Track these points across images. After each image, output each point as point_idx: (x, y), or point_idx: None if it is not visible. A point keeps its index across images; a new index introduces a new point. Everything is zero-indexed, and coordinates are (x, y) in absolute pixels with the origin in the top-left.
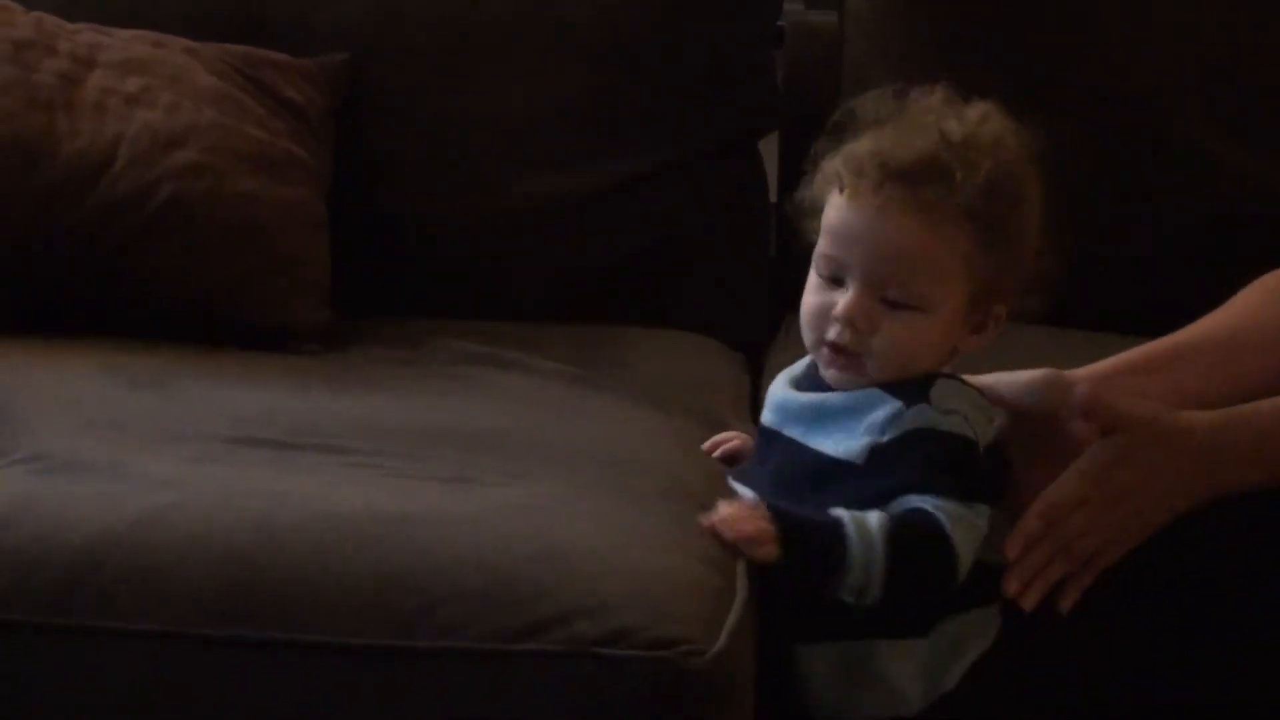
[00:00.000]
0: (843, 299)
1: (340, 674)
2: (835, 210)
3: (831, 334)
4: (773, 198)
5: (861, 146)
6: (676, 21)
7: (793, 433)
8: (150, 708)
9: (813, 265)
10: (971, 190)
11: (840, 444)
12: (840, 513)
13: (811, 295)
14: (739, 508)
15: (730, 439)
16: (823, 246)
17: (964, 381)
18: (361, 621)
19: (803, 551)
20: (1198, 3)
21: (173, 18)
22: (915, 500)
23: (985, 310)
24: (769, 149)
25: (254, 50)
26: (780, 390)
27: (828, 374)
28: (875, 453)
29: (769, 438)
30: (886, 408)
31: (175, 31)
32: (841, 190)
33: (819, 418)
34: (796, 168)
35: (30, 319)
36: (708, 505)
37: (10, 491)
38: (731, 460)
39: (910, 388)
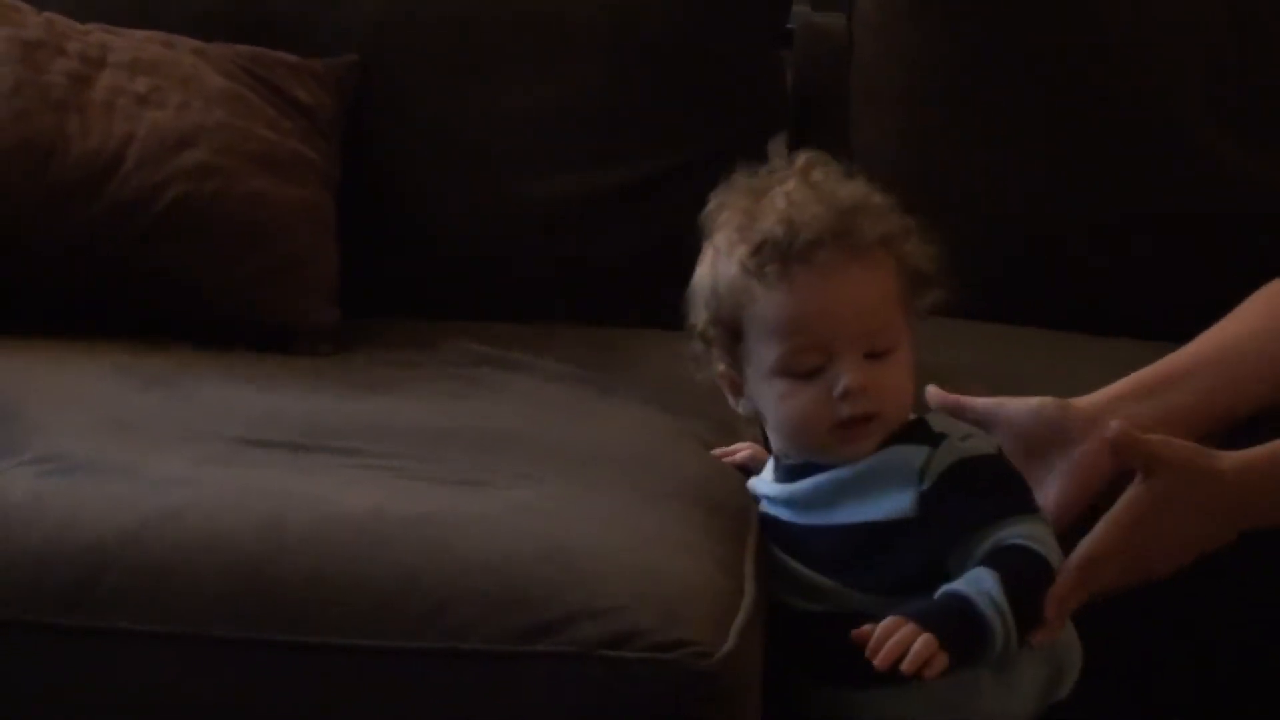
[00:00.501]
0: (844, 375)
1: (349, 675)
2: (776, 307)
3: (847, 412)
4: None
5: (760, 234)
6: (685, 23)
7: (815, 519)
8: (159, 708)
9: (770, 376)
10: (875, 222)
11: (883, 508)
12: (958, 588)
13: (790, 400)
14: (886, 630)
15: (739, 450)
16: (779, 346)
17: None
18: (370, 623)
19: (957, 645)
20: (1202, 2)
21: (182, 18)
22: (1002, 536)
23: (910, 310)
24: (777, 150)
25: (263, 51)
26: (773, 489)
27: (848, 451)
28: (925, 500)
29: (789, 533)
30: (915, 457)
31: (185, 32)
32: (769, 283)
33: (840, 494)
34: None
35: (40, 319)
36: (714, 507)
37: (21, 491)
38: (744, 469)
39: (915, 432)
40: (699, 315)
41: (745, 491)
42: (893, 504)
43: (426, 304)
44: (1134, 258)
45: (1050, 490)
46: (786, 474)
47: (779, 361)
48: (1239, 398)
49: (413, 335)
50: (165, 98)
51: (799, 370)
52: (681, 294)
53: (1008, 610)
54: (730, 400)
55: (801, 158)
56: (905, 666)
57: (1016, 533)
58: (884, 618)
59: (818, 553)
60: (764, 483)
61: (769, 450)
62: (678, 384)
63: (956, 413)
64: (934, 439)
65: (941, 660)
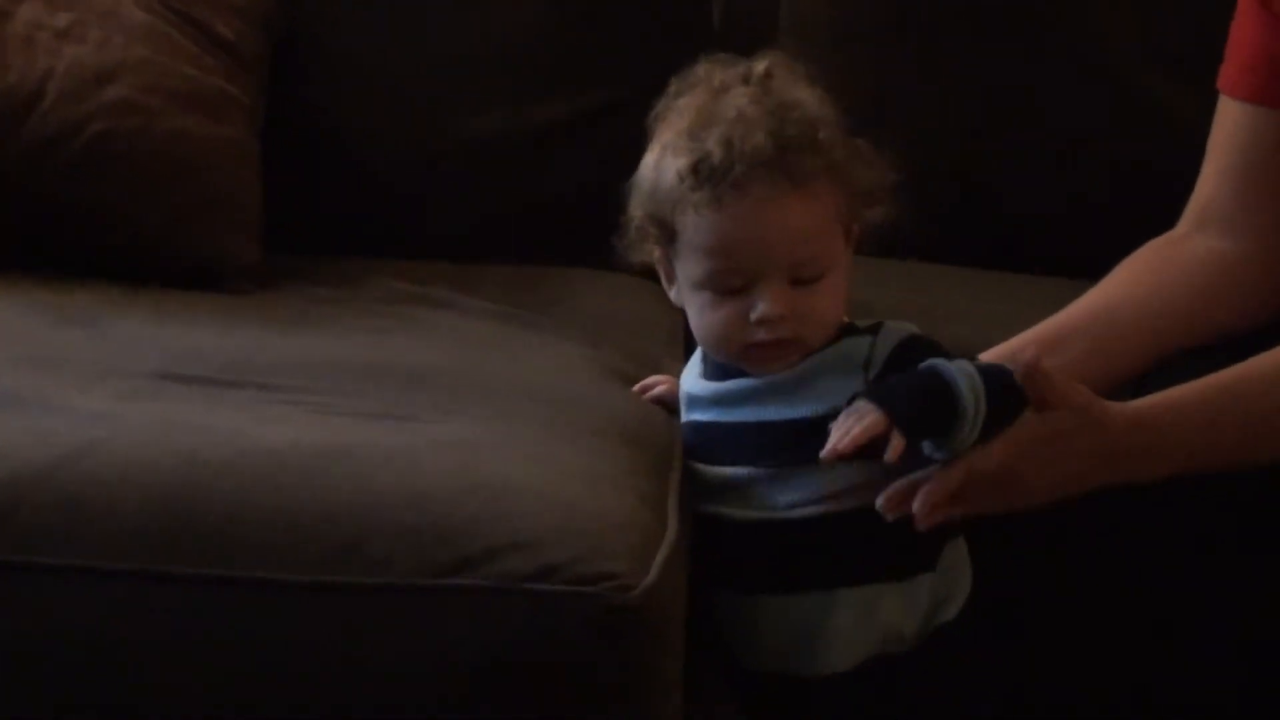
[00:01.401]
0: (759, 302)
1: (267, 608)
2: (708, 225)
3: (762, 335)
4: None
5: (700, 150)
6: None
7: (746, 416)
8: (77, 643)
9: (692, 288)
10: (821, 149)
11: (827, 401)
12: (934, 363)
13: (712, 312)
14: (843, 422)
15: (659, 383)
16: (704, 265)
17: None
18: (291, 556)
19: (921, 423)
20: None
21: None
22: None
23: (851, 234)
24: None
25: None
26: (700, 386)
27: (761, 370)
28: (878, 385)
29: (710, 432)
30: (858, 349)
31: None
32: (700, 205)
33: (775, 393)
34: None
35: None
36: (637, 442)
37: None
38: (660, 404)
39: (849, 331)
40: (637, 208)
41: (669, 427)
42: (839, 396)
43: (354, 243)
44: (1067, 198)
45: None
46: (716, 371)
47: (703, 278)
48: (1111, 365)
49: (339, 273)
50: (85, 33)
51: (721, 289)
52: (607, 234)
53: (983, 394)
54: (665, 285)
55: (766, 60)
56: (847, 448)
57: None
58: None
59: (748, 450)
60: (692, 379)
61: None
62: (603, 321)
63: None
64: (872, 329)
65: (898, 444)
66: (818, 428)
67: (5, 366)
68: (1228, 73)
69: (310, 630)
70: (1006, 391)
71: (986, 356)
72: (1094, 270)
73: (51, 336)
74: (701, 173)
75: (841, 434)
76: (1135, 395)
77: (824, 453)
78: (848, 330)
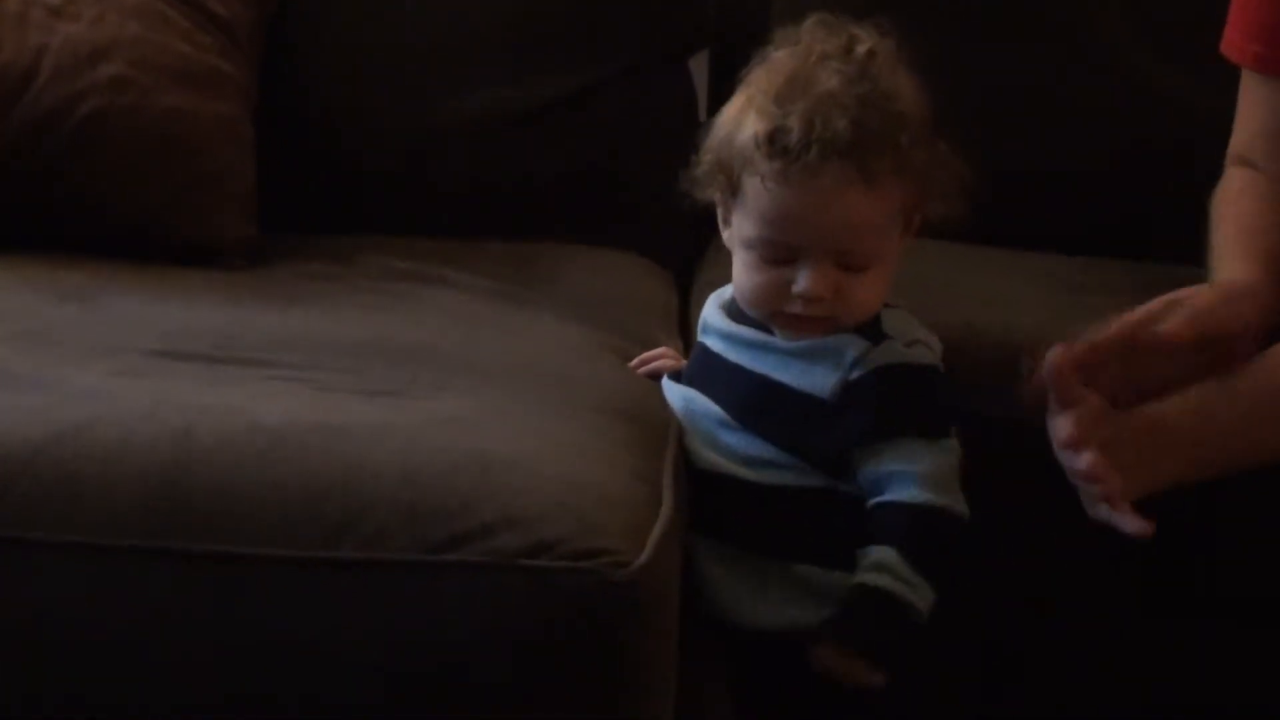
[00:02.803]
0: (803, 277)
1: (262, 585)
2: (770, 196)
3: (796, 309)
4: (702, 116)
5: (784, 122)
6: None
7: (741, 359)
8: (72, 620)
9: (742, 245)
10: (899, 150)
11: (805, 379)
12: (868, 579)
13: (755, 274)
14: (830, 662)
15: (658, 356)
16: (759, 230)
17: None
18: (285, 533)
19: (888, 647)
20: None
21: None
22: (895, 492)
23: (913, 223)
24: (699, 67)
25: None
26: (719, 319)
27: (789, 336)
28: (845, 389)
29: (711, 360)
30: (853, 348)
31: None
32: (767, 175)
33: (773, 352)
34: (726, 87)
35: None
36: (633, 419)
37: None
38: (658, 378)
39: (864, 327)
40: (710, 151)
41: (665, 403)
42: (815, 381)
43: (348, 220)
44: (1059, 174)
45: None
46: (737, 313)
47: (753, 241)
48: None
49: (332, 250)
50: (79, 10)
51: (765, 256)
52: (601, 211)
53: (919, 577)
54: (720, 225)
55: (871, 40)
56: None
57: (919, 478)
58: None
59: (730, 394)
60: (714, 310)
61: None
62: (598, 297)
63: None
64: (877, 337)
65: (879, 678)
66: (789, 398)
67: (0, 344)
68: (1230, 36)
69: (304, 606)
70: (925, 545)
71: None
72: (1087, 246)
73: (46, 313)
74: (776, 144)
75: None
76: None
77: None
78: (873, 329)
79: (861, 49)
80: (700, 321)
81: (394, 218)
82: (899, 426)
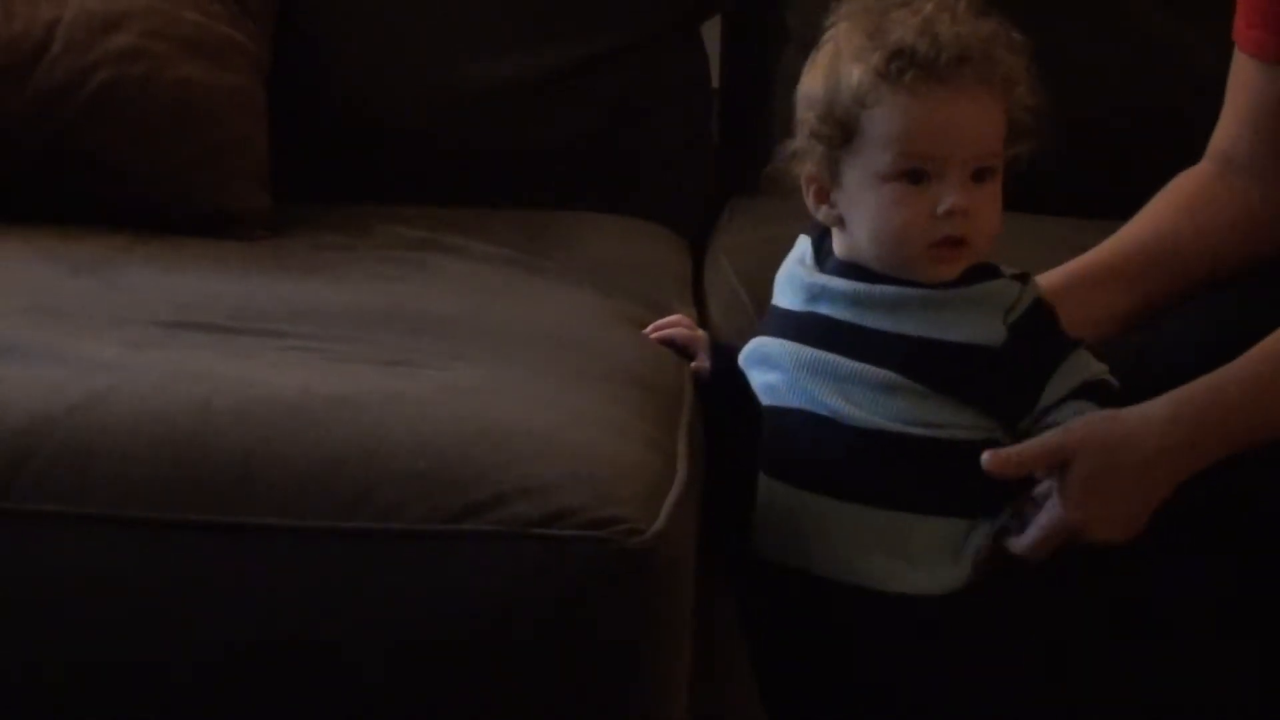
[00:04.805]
0: (950, 194)
1: (280, 556)
2: (904, 115)
3: (946, 230)
4: (714, 83)
5: (899, 43)
6: None
7: (883, 324)
8: (88, 591)
9: (877, 181)
10: (1008, 57)
11: (967, 331)
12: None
13: (900, 209)
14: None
15: (672, 323)
16: (896, 153)
17: None
18: (301, 503)
19: None
20: None
21: None
22: (1080, 368)
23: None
24: (710, 34)
25: None
26: (829, 280)
27: (935, 272)
28: (1015, 330)
29: (833, 326)
30: (1009, 292)
31: None
32: (896, 93)
33: (921, 309)
34: (738, 53)
35: None
36: (647, 388)
37: None
38: (671, 345)
39: (999, 272)
40: (808, 113)
41: (679, 371)
42: (979, 330)
43: (361, 189)
44: (1081, 140)
45: None
46: (853, 271)
47: (891, 164)
48: (1154, 296)
49: (346, 220)
50: None
51: (908, 177)
52: (615, 178)
53: None
54: (810, 205)
55: None
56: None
57: (1085, 363)
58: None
59: (889, 357)
60: (809, 271)
61: (702, 325)
62: (613, 266)
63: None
64: (1021, 278)
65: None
66: (958, 354)
67: (15, 316)
68: (1240, 27)
69: (320, 577)
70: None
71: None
72: (1108, 211)
73: (61, 286)
74: (902, 61)
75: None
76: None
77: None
78: (994, 272)
79: None
80: (790, 287)
81: (408, 186)
82: (1064, 349)
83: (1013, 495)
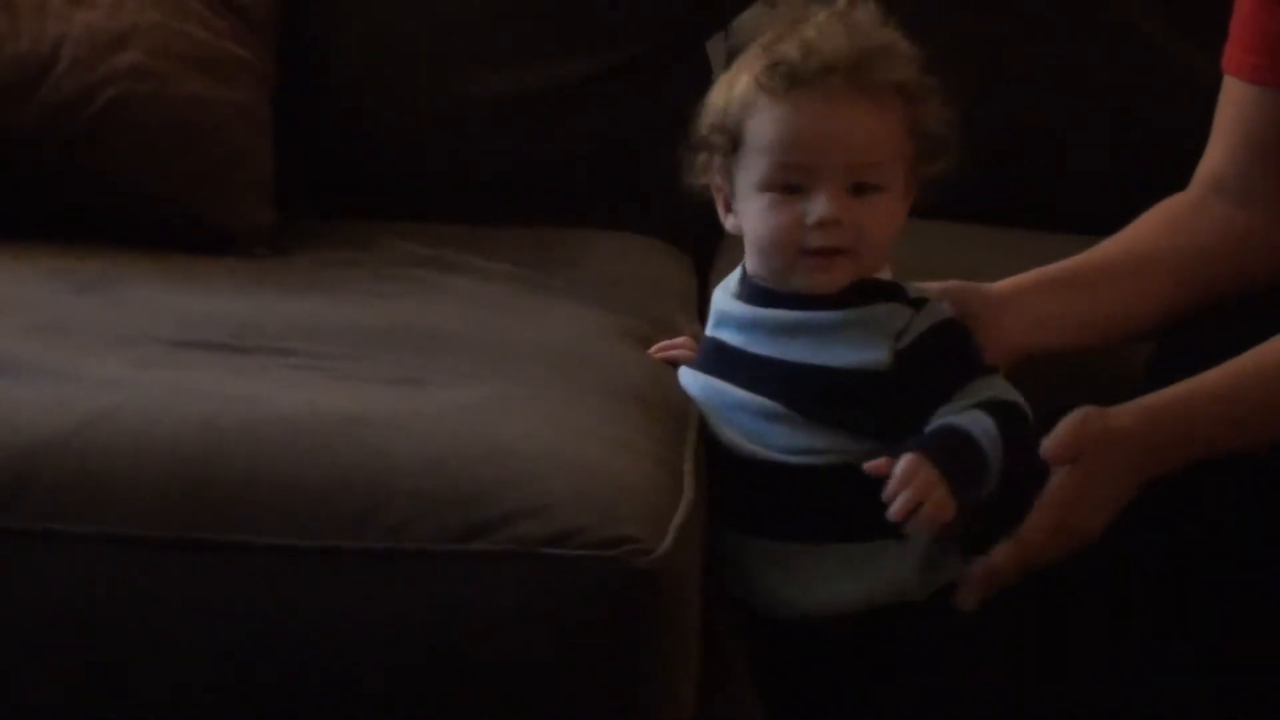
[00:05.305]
0: (818, 203)
1: (285, 575)
2: (776, 121)
3: (817, 241)
4: None
5: (778, 54)
6: None
7: (772, 350)
8: (96, 611)
9: (756, 189)
10: (898, 66)
11: (853, 356)
12: (956, 421)
13: (770, 215)
14: (907, 472)
15: (677, 346)
16: (769, 162)
17: None
18: (308, 522)
19: (963, 488)
20: None
21: None
22: (978, 391)
23: (913, 179)
24: (715, 51)
25: None
26: (736, 308)
27: (812, 281)
28: (901, 357)
29: (730, 354)
30: (898, 317)
31: None
32: (772, 103)
33: (809, 334)
34: None
35: None
36: (653, 405)
37: None
38: (675, 365)
39: (897, 294)
40: (704, 123)
41: (685, 391)
42: (865, 355)
43: (366, 205)
44: (1093, 158)
45: None
46: (756, 296)
47: (766, 174)
48: (1123, 311)
49: (351, 236)
50: None
51: (782, 187)
52: (620, 194)
53: (1000, 453)
54: (720, 215)
55: (849, 5)
56: (920, 527)
57: (991, 387)
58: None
59: (771, 385)
60: (726, 297)
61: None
62: (618, 283)
63: None
64: (917, 304)
65: (950, 510)
66: (841, 379)
67: (20, 334)
68: (1231, 52)
69: (327, 596)
70: (1016, 430)
71: (1001, 285)
72: (1112, 229)
73: (65, 303)
74: (778, 72)
75: (907, 502)
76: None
77: (888, 498)
78: (894, 293)
79: (841, 3)
80: (712, 315)
81: (413, 201)
82: (966, 374)
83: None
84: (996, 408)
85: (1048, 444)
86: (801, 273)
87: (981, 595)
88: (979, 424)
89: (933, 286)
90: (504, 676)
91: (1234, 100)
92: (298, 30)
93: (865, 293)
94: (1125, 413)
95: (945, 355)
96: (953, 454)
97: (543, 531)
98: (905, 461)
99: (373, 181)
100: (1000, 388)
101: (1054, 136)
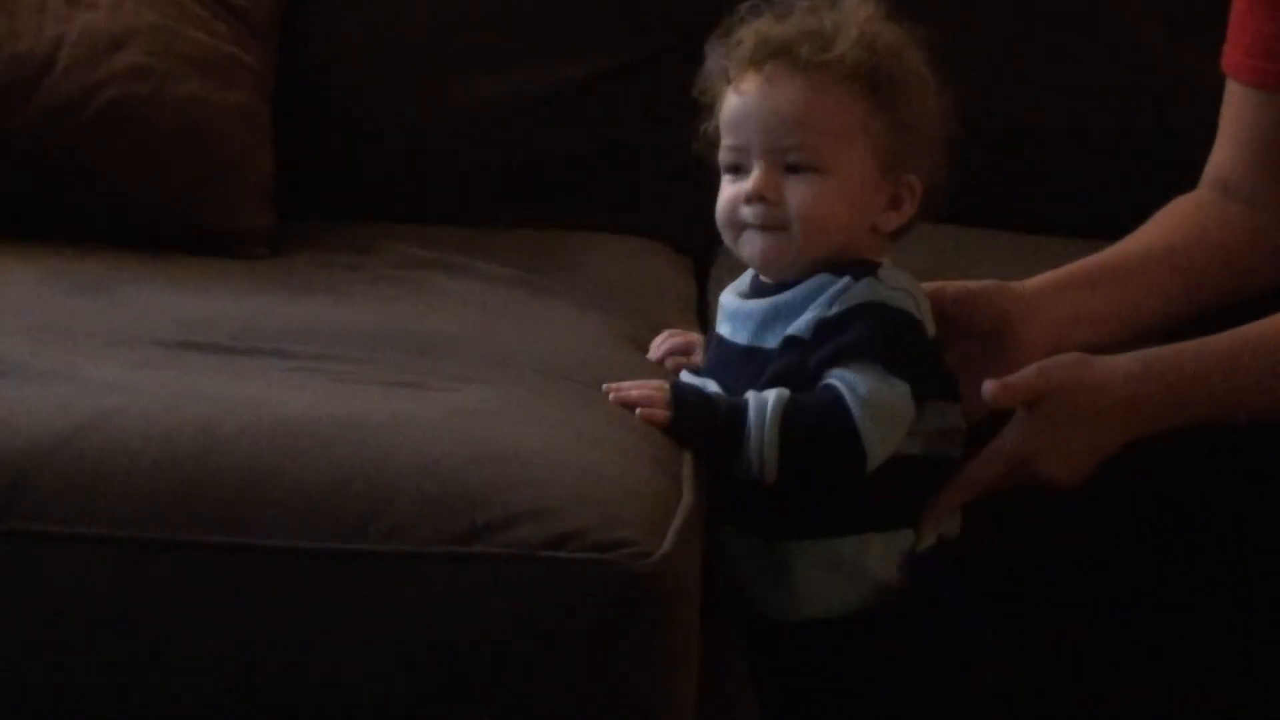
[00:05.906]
0: (747, 182)
1: (284, 577)
2: (727, 105)
3: (745, 214)
4: None
5: (737, 40)
6: None
7: (742, 337)
8: (94, 613)
9: (722, 171)
10: (849, 49)
11: (794, 328)
12: (750, 394)
13: (721, 195)
14: (650, 387)
15: (675, 335)
16: (724, 142)
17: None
18: (307, 525)
19: (697, 425)
20: None
21: None
22: (831, 377)
23: (896, 182)
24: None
25: None
26: (730, 301)
27: (757, 261)
28: (821, 326)
29: (722, 347)
30: (836, 284)
31: None
32: (725, 83)
33: (775, 317)
34: None
35: None
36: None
37: None
38: (674, 354)
39: (856, 266)
40: (698, 88)
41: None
42: (796, 325)
43: (366, 208)
44: (1076, 159)
45: (988, 365)
46: (747, 293)
47: (722, 157)
48: (1137, 310)
49: (351, 239)
50: None
51: (728, 168)
52: (619, 196)
53: (772, 431)
54: None
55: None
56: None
57: (851, 382)
58: None
59: (741, 377)
60: (728, 295)
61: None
62: (617, 286)
63: None
64: (862, 275)
65: (657, 414)
66: (776, 356)
67: (18, 336)
68: (1230, 55)
69: (326, 599)
70: (807, 420)
71: (1030, 283)
72: (1113, 232)
73: (64, 305)
74: (732, 54)
75: (625, 394)
76: None
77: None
78: (862, 270)
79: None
80: (717, 312)
81: (412, 204)
82: (859, 353)
83: (874, 509)
84: (806, 397)
85: (991, 383)
86: (747, 251)
87: (931, 540)
88: (764, 398)
89: (970, 286)
90: (503, 678)
91: (1235, 102)
92: (298, 32)
93: (837, 273)
94: (1114, 362)
95: (859, 332)
96: (705, 405)
97: (542, 534)
98: (655, 384)
99: (372, 184)
100: (872, 385)
101: (1054, 137)
